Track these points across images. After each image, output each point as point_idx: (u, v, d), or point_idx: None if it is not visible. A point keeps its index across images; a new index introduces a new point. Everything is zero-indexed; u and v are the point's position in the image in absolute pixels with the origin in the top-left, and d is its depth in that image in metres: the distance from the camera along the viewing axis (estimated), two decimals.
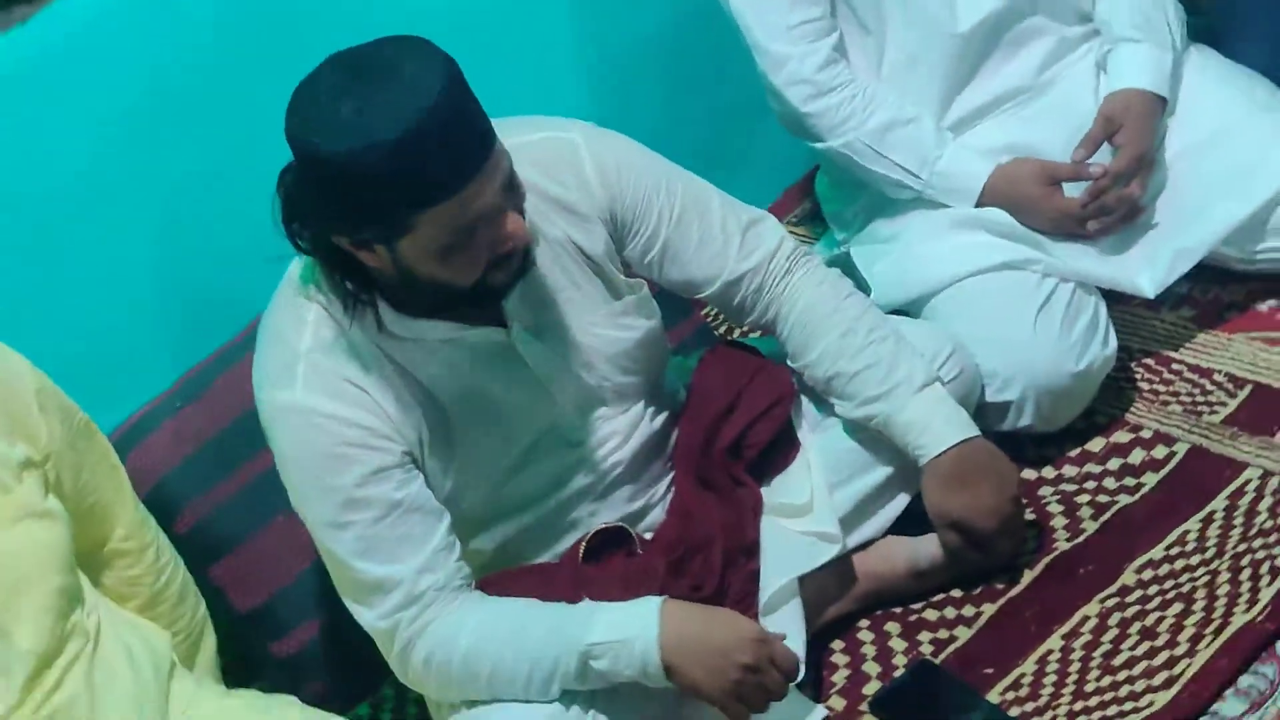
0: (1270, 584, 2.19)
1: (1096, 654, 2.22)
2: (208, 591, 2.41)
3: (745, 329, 2.52)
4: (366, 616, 2.14)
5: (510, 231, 2.02)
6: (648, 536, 2.31)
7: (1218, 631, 2.17)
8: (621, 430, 2.30)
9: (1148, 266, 2.54)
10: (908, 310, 2.56)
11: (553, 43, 2.97)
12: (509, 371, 2.19)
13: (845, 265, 2.65)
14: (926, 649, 2.33)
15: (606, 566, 2.24)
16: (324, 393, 2.09)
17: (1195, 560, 2.28)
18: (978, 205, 2.57)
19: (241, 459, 2.47)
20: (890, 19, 2.58)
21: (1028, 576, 2.36)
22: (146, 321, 2.64)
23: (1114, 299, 2.58)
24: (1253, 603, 2.18)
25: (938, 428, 2.29)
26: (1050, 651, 2.25)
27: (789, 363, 2.38)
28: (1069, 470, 2.50)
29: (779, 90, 2.59)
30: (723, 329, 2.96)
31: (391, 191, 1.92)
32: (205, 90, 2.59)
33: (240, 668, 2.47)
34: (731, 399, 2.33)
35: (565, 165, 2.20)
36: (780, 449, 2.36)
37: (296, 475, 2.12)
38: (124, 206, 2.55)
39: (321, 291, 2.10)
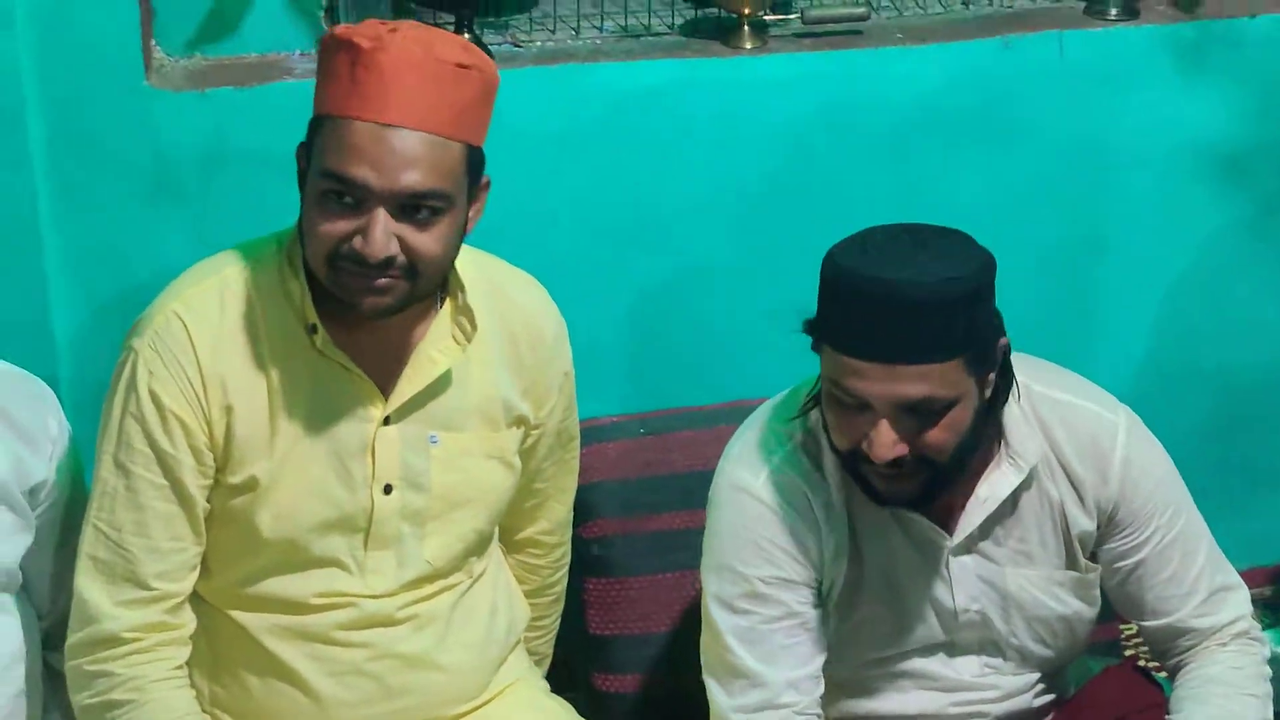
0: None
1: None
2: (571, 595, 2.55)
3: (1152, 663, 2.49)
4: (721, 700, 2.21)
5: (879, 451, 2.03)
6: None
7: None
8: (1004, 688, 2.31)
9: None
10: None
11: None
12: (930, 572, 2.23)
13: None
14: None
15: None
16: (781, 494, 2.18)
17: None
18: None
19: (672, 507, 2.59)
20: None
21: None
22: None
23: None
24: None
25: None
26: None
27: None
28: None
29: None
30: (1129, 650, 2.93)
31: (825, 309, 2.06)
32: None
33: (557, 675, 2.58)
34: (1115, 717, 2.31)
35: (1096, 447, 2.21)
36: None
37: (719, 548, 2.21)
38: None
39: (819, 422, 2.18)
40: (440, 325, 2.14)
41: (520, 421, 2.24)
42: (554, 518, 2.42)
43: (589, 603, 2.61)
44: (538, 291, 2.29)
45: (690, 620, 2.56)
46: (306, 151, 2.06)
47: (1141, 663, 2.81)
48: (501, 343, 2.20)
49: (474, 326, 2.13)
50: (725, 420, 2.69)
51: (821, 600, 2.21)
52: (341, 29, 2.02)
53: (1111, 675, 2.38)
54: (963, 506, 2.20)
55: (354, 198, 1.98)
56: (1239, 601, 2.32)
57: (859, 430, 2.05)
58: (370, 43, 1.97)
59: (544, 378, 2.25)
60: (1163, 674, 2.53)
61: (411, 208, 1.99)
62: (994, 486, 2.19)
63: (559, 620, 2.52)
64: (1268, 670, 2.33)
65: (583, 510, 2.56)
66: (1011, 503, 2.21)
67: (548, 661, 2.53)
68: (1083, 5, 3.00)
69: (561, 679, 2.60)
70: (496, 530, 2.33)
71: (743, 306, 2.88)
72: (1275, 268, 3.15)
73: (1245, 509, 3.12)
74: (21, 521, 2.17)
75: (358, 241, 1.99)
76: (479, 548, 2.26)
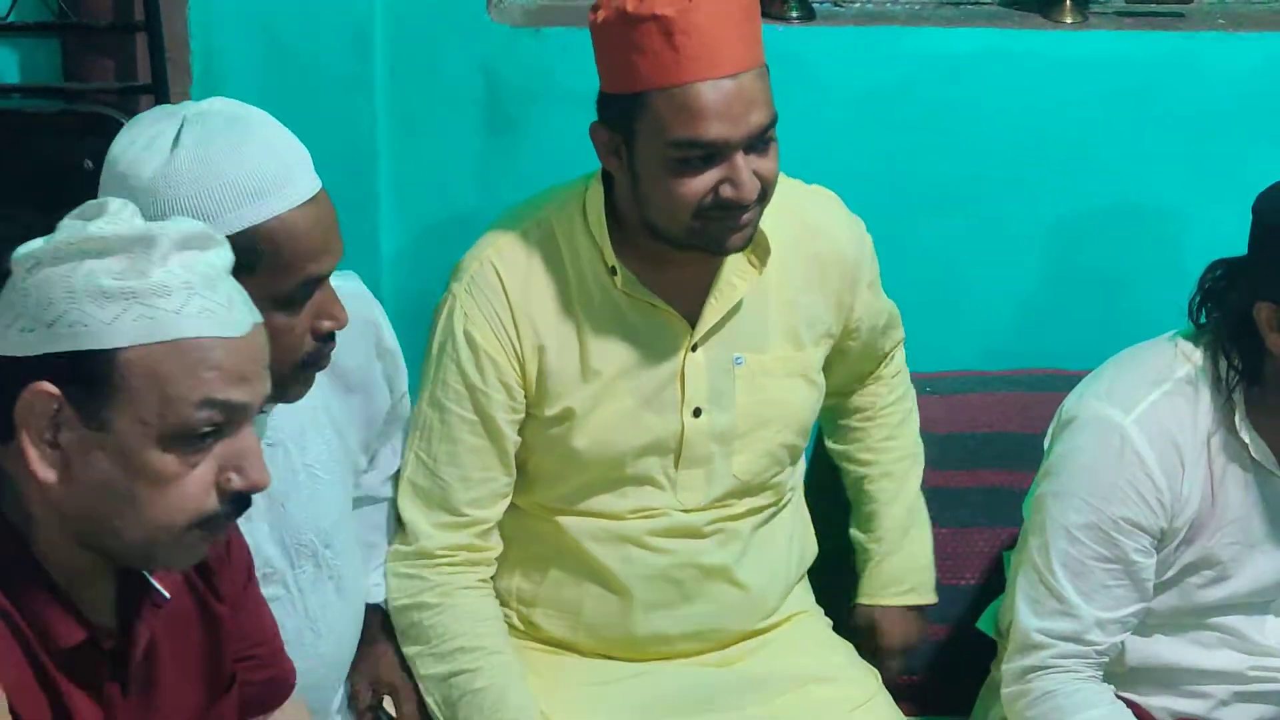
0: None
1: None
2: None
3: None
4: (1027, 618, 2.27)
5: None
6: None
7: None
8: None
9: None
10: None
11: None
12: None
13: None
14: None
15: None
16: (1149, 439, 2.22)
17: None
18: None
19: (953, 465, 2.66)
20: None
21: None
22: None
23: None
24: None
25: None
26: None
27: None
28: None
29: None
30: None
31: None
32: None
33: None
34: None
35: None
36: None
37: (1076, 478, 2.25)
38: None
39: (1204, 366, 2.23)
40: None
41: (827, 336, 2.33)
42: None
43: None
44: (836, 208, 2.36)
45: (977, 575, 2.64)
46: (621, 128, 2.12)
47: None
48: (803, 263, 2.29)
49: (767, 250, 2.22)
50: (1007, 387, 2.77)
51: (1161, 544, 2.25)
52: (629, 4, 2.06)
53: None
54: None
55: (711, 152, 2.07)
56: None
57: None
58: (673, 8, 2.03)
59: (850, 291, 2.34)
60: None
61: (759, 142, 2.09)
62: None
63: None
64: None
65: None
66: None
67: None
68: None
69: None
70: (803, 458, 2.43)
71: (1034, 274, 2.91)
72: None
73: None
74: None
75: (726, 189, 2.08)
76: (786, 462, 2.36)
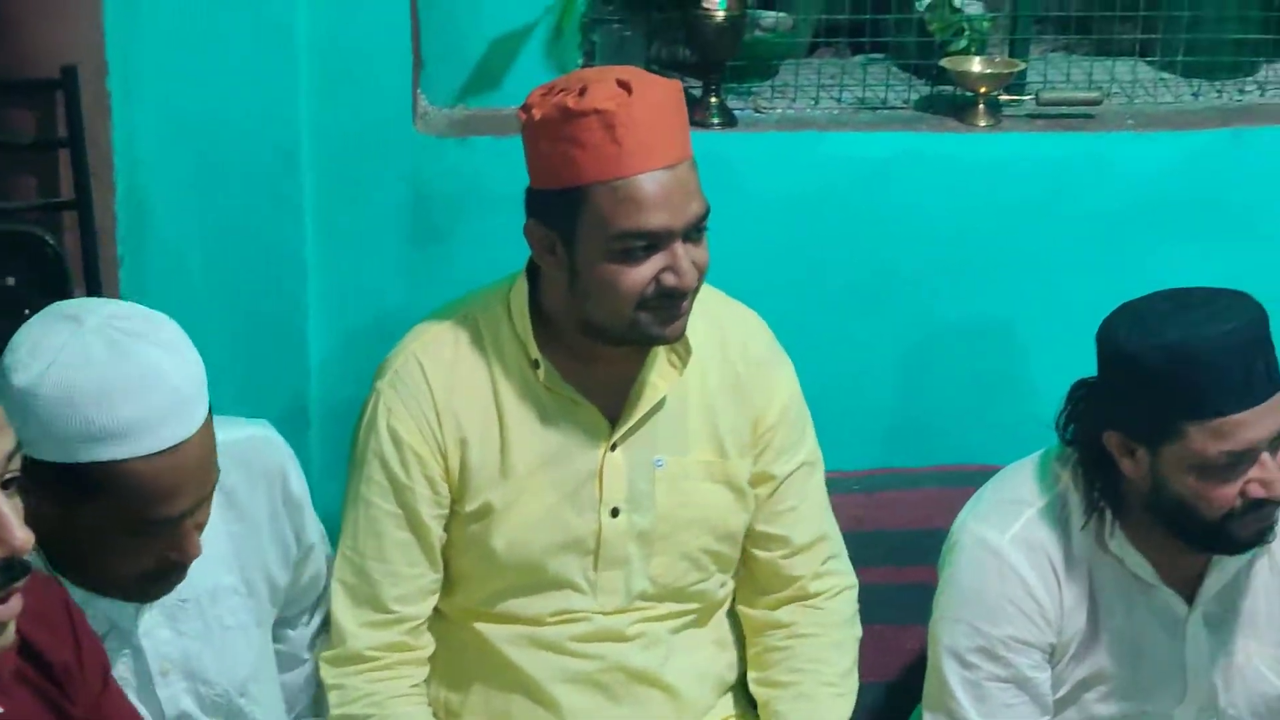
0: None
1: None
2: None
3: None
4: None
5: (1269, 486, 2.11)
6: None
7: None
8: None
9: None
10: None
11: None
12: (1166, 639, 2.29)
13: None
14: None
15: None
16: (1025, 556, 2.25)
17: None
18: None
19: (882, 562, 2.67)
20: None
21: None
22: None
23: None
24: None
25: None
26: None
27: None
28: None
29: None
30: None
31: (1175, 393, 2.08)
32: None
33: None
34: None
35: None
36: None
37: (955, 602, 2.29)
38: None
39: (1074, 483, 2.26)
40: (659, 351, 2.26)
41: (751, 448, 2.34)
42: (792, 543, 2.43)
43: None
44: (752, 321, 2.39)
45: (905, 674, 2.65)
46: (559, 224, 2.15)
47: None
48: (720, 369, 2.31)
49: (688, 350, 2.25)
50: (938, 483, 2.80)
51: (1053, 659, 2.28)
52: (569, 101, 2.10)
53: None
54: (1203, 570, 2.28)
55: (653, 242, 2.12)
56: None
57: (1238, 486, 2.13)
58: (614, 103, 2.09)
59: (766, 404, 2.34)
60: None
61: (695, 231, 2.14)
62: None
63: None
64: None
65: None
66: (1247, 571, 2.28)
67: None
68: None
69: None
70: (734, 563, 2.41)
71: (964, 374, 2.96)
72: None
73: None
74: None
75: (668, 278, 2.13)
76: (711, 570, 2.36)
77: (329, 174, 2.74)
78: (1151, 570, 2.25)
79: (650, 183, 2.10)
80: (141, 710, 1.95)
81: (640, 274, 2.12)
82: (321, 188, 2.74)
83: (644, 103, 2.10)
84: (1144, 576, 2.26)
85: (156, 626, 2.03)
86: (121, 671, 1.99)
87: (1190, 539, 2.21)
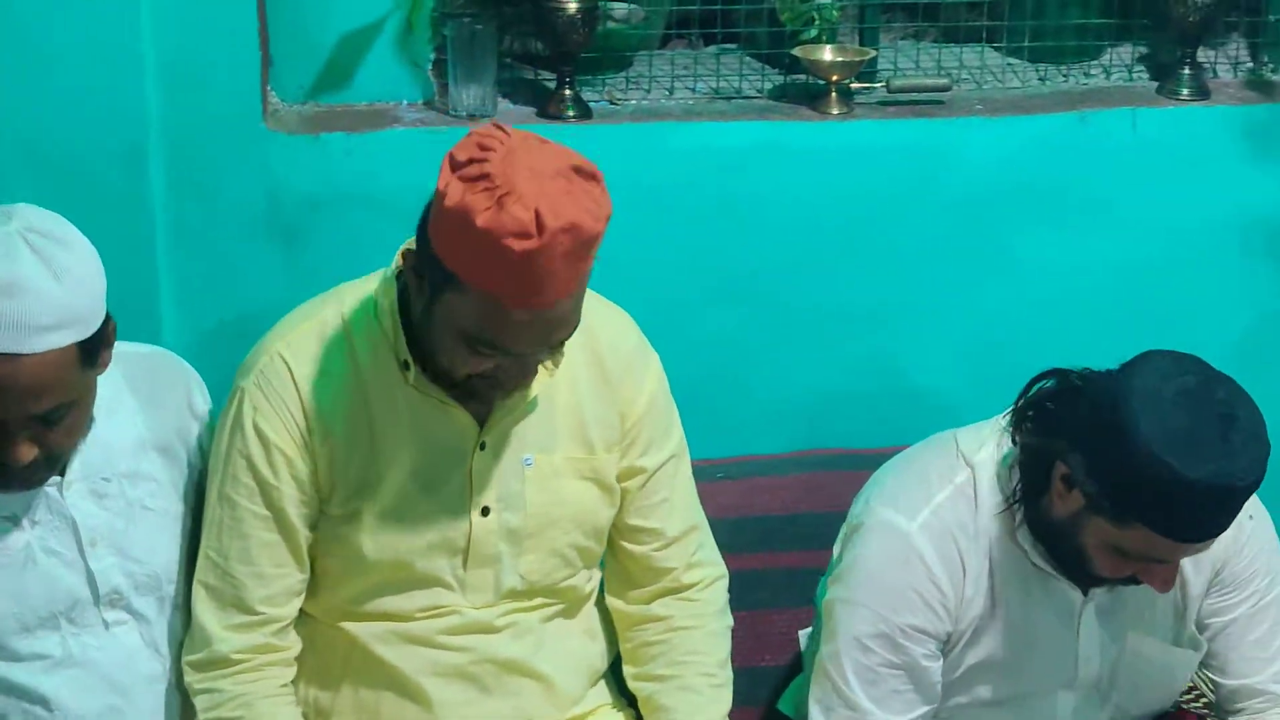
0: None
1: None
2: None
3: (1210, 716, 2.57)
4: None
5: (1160, 585, 2.17)
6: None
7: None
8: None
9: None
10: None
11: None
12: (1059, 627, 2.32)
13: None
14: None
15: None
16: (934, 545, 2.27)
17: None
18: None
19: (751, 549, 2.68)
20: None
21: None
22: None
23: None
24: None
25: None
26: None
27: None
28: None
29: None
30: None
31: (1155, 505, 2.06)
32: None
33: None
34: None
35: None
36: None
37: (864, 586, 2.29)
38: None
39: (983, 470, 2.28)
40: None
41: (618, 445, 2.32)
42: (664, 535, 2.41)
43: None
44: (621, 319, 2.36)
45: (777, 656, 2.67)
46: (429, 278, 2.07)
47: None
48: (588, 367, 2.29)
49: (560, 353, 2.19)
50: (799, 469, 2.82)
51: (948, 647, 2.30)
52: (480, 209, 1.95)
53: (1169, 717, 2.48)
54: None
55: (503, 352, 2.07)
56: None
57: (1136, 568, 2.18)
58: (517, 243, 1.95)
59: (633, 398, 2.32)
60: None
61: (553, 350, 2.12)
62: None
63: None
64: None
65: None
66: None
67: None
68: (1155, 85, 3.10)
69: None
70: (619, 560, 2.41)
71: (818, 359, 2.98)
72: None
73: None
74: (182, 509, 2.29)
75: (502, 375, 2.10)
76: (578, 565, 2.35)
77: (179, 173, 2.69)
78: (1053, 562, 2.28)
79: (523, 315, 2.03)
80: (76, 582, 2.16)
81: (479, 364, 2.09)
82: (172, 188, 2.70)
83: (548, 251, 1.96)
84: (1044, 567, 2.28)
85: (82, 500, 2.17)
86: (54, 545, 2.16)
87: (1070, 574, 2.26)
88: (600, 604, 2.44)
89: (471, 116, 2.82)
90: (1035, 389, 2.24)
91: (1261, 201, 3.09)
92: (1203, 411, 2.06)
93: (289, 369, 2.20)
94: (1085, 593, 2.30)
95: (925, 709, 2.31)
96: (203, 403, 2.33)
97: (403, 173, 2.70)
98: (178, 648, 2.27)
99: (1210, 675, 2.44)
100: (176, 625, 2.27)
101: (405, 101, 2.87)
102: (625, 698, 2.46)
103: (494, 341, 2.05)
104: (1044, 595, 2.30)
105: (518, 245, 1.96)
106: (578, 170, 2.02)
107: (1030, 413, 2.23)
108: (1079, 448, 2.13)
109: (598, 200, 2.02)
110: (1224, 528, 2.11)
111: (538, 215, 1.96)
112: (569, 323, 2.08)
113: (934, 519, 2.27)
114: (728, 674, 2.40)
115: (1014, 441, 2.25)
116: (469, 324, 2.05)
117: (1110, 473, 2.09)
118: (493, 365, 2.09)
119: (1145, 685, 2.38)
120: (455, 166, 2.00)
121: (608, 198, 2.05)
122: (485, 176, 1.98)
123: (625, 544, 2.38)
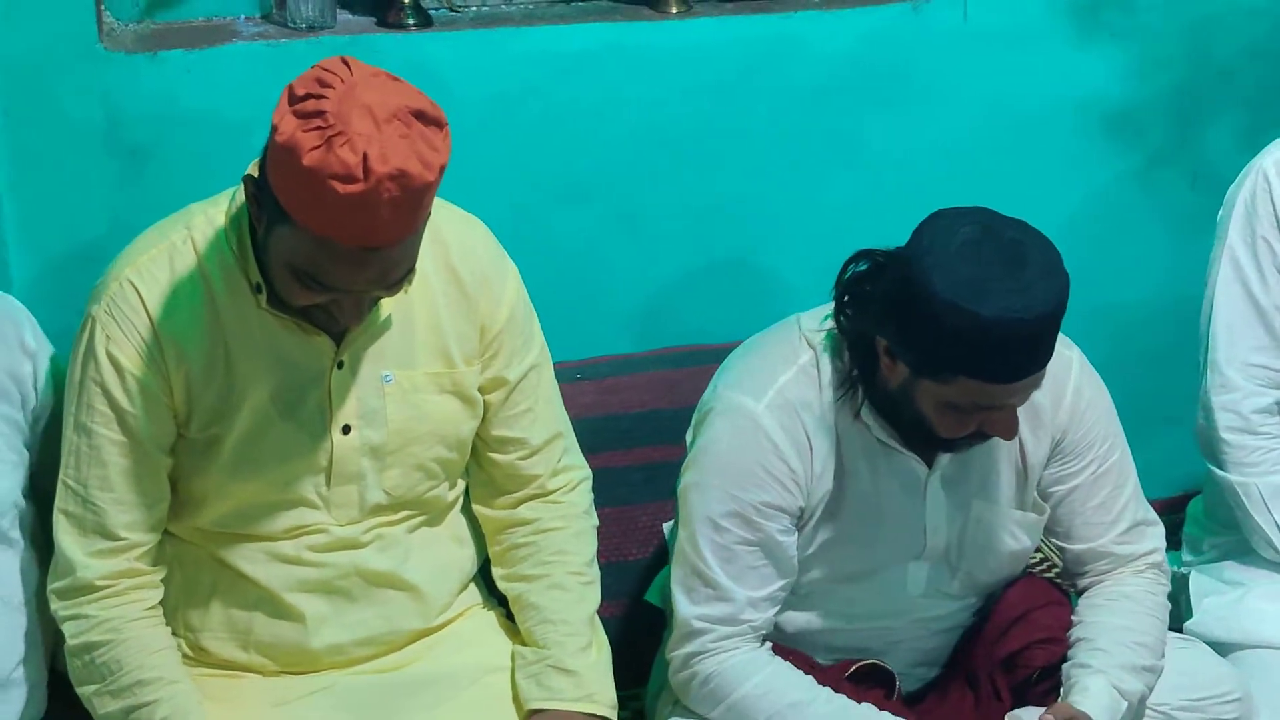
0: None
1: None
2: None
3: (1061, 581, 2.68)
4: (685, 606, 2.36)
5: (1009, 434, 2.25)
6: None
7: None
8: (945, 608, 2.50)
9: None
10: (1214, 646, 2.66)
11: None
12: (907, 499, 2.39)
13: (1176, 585, 2.77)
14: None
15: (867, 694, 2.42)
16: (780, 423, 2.32)
17: None
18: None
19: (611, 447, 2.74)
20: None
21: None
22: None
23: None
24: None
25: None
26: None
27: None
28: None
29: (1212, 409, 2.72)
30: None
31: (963, 352, 2.14)
32: None
33: None
34: (1023, 611, 2.50)
35: (1054, 379, 2.34)
36: (1045, 683, 2.49)
37: (712, 467, 2.35)
38: None
39: (825, 349, 2.34)
40: None
41: (477, 358, 2.34)
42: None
43: None
44: (475, 230, 2.36)
45: (641, 550, 2.73)
46: (265, 207, 2.06)
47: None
48: (444, 281, 2.30)
49: (413, 269, 2.17)
50: (655, 366, 2.87)
51: (801, 523, 2.37)
52: (308, 148, 1.94)
53: (1019, 583, 2.55)
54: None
55: (330, 289, 2.08)
56: (1157, 535, 2.52)
57: (973, 426, 2.25)
58: (342, 186, 1.94)
59: (492, 311, 2.33)
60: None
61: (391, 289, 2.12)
62: None
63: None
64: (1168, 604, 2.53)
65: None
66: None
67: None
68: None
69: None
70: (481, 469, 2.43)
71: (671, 257, 3.03)
72: (1161, 214, 3.36)
73: (1140, 443, 3.29)
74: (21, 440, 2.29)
75: (336, 310, 2.11)
76: (440, 477, 2.38)
77: (14, 99, 2.64)
78: (898, 436, 2.34)
79: (351, 256, 2.01)
80: None
81: (310, 297, 2.10)
82: (8, 113, 2.65)
83: (373, 197, 1.95)
84: (889, 441, 2.35)
85: None
86: None
87: (912, 442, 2.33)
88: (467, 510, 2.48)
89: (311, 28, 2.79)
90: (849, 273, 2.30)
91: (1092, 81, 3.19)
92: (990, 255, 2.14)
93: (139, 294, 2.19)
94: (930, 465, 2.38)
95: (782, 582, 2.38)
96: (34, 340, 2.31)
97: (245, 89, 2.68)
98: (19, 577, 2.28)
99: (1057, 542, 2.55)
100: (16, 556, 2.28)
101: (243, 16, 2.84)
102: (495, 597, 2.50)
103: (322, 280, 2.06)
104: (889, 470, 2.38)
105: (341, 188, 1.95)
106: (419, 115, 2.00)
107: (846, 297, 2.30)
108: (891, 319, 2.21)
109: (435, 147, 2.00)
110: (1040, 364, 2.19)
111: (365, 159, 1.94)
112: (401, 265, 2.08)
113: (779, 398, 2.33)
114: (595, 572, 2.45)
115: (839, 327, 2.31)
116: (299, 260, 2.05)
117: (920, 334, 2.17)
118: (325, 299, 2.10)
119: (992, 552, 2.47)
120: (292, 100, 1.98)
121: (448, 145, 2.03)
122: (319, 114, 1.96)
123: (490, 454, 2.41)
